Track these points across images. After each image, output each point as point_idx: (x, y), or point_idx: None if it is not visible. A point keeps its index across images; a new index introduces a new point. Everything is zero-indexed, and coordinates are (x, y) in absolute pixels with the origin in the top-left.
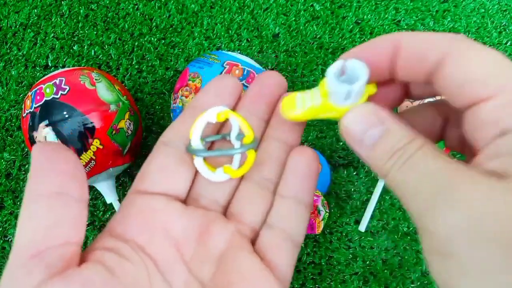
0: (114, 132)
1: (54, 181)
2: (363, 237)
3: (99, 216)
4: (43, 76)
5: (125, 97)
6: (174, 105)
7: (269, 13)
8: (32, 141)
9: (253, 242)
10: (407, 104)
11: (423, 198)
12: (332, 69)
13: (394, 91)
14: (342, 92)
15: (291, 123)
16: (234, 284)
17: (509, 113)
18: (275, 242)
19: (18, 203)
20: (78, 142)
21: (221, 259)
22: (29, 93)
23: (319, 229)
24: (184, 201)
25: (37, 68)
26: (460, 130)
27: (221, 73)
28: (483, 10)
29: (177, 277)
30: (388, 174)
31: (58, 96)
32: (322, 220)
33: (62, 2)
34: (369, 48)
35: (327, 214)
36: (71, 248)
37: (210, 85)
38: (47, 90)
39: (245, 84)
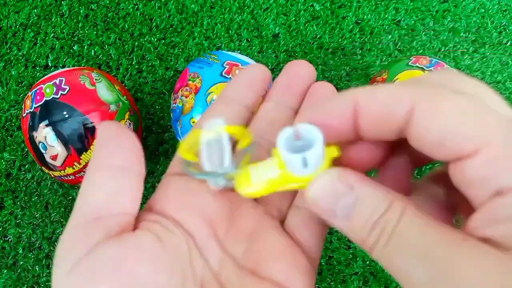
0: None
1: (119, 155)
2: None
3: None
4: (43, 76)
5: (125, 97)
6: (174, 105)
7: (269, 13)
8: (32, 141)
9: (281, 222)
10: None
11: (420, 283)
12: (283, 137)
13: (374, 149)
14: (297, 161)
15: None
16: (265, 260)
17: (502, 169)
18: (302, 221)
19: (18, 203)
20: (78, 142)
21: (252, 238)
22: (29, 93)
23: None
24: None
25: (37, 68)
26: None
27: (221, 73)
28: (483, 10)
29: (212, 253)
30: (373, 250)
31: (58, 96)
32: None
33: (62, 2)
34: (327, 111)
35: None
36: (127, 218)
37: (241, 75)
38: (47, 90)
39: None
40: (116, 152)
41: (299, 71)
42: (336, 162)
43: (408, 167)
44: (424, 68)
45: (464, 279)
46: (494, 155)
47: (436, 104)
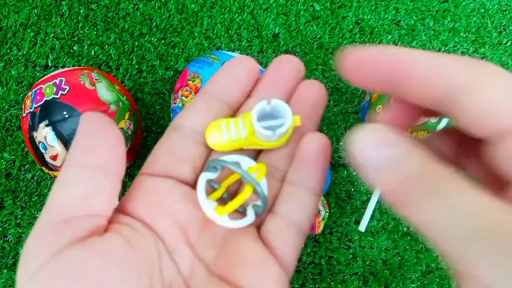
0: None
1: (98, 154)
2: (363, 237)
3: None
4: (43, 76)
5: (125, 97)
6: (174, 105)
7: (269, 13)
8: (32, 141)
9: (258, 228)
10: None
11: (468, 242)
12: (256, 109)
13: (406, 110)
14: (267, 133)
15: (306, 112)
16: (236, 267)
17: None
18: (280, 228)
19: (18, 203)
20: None
21: (224, 243)
22: (29, 93)
23: (319, 229)
24: (193, 186)
25: (37, 68)
26: (480, 159)
27: None
28: (483, 10)
29: (182, 258)
30: (417, 208)
31: (58, 96)
32: (322, 220)
33: (62, 2)
34: (374, 55)
35: (327, 214)
36: (99, 220)
37: (226, 67)
38: (47, 90)
39: None
40: (96, 149)
41: (287, 67)
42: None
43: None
44: None
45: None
46: None
47: (489, 79)
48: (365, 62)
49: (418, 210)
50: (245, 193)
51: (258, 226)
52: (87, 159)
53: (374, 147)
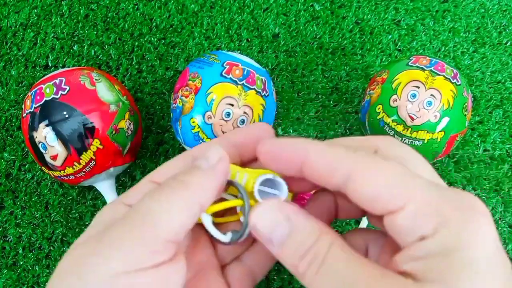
0: (114, 132)
1: (210, 196)
2: None
3: None
4: (43, 76)
5: (125, 97)
6: (174, 105)
7: (269, 13)
8: (32, 141)
9: (223, 267)
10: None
11: None
12: (259, 180)
13: (327, 203)
14: (260, 199)
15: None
16: None
17: (422, 221)
18: (240, 275)
19: (18, 203)
20: (78, 142)
21: (196, 272)
22: (29, 93)
23: None
24: None
25: (37, 68)
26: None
27: (221, 73)
28: (483, 10)
29: None
30: (305, 277)
31: (58, 96)
32: None
33: (62, 2)
34: (283, 151)
35: None
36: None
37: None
38: (47, 90)
39: (245, 84)
40: (210, 192)
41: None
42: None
43: (333, 204)
44: (424, 68)
45: None
46: (416, 209)
47: (368, 170)
48: (278, 156)
49: (311, 279)
50: (238, 216)
51: (223, 265)
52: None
53: (270, 225)
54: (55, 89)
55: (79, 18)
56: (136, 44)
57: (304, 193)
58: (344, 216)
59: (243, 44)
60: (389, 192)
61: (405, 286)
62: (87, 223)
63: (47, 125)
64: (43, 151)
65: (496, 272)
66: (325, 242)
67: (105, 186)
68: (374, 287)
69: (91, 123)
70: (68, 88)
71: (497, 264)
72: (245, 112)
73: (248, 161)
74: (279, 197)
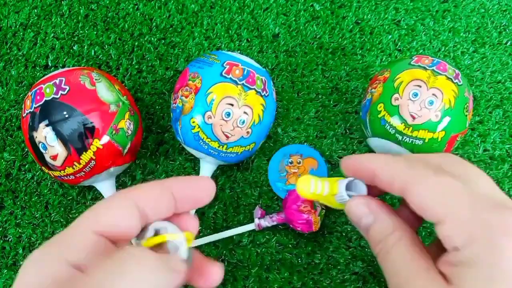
0: (114, 132)
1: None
2: (362, 237)
3: None
4: (43, 76)
5: (125, 97)
6: (174, 105)
7: (269, 13)
8: (32, 141)
9: None
10: None
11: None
12: (344, 181)
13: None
14: (345, 198)
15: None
16: None
17: (455, 235)
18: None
19: (18, 203)
20: (78, 142)
21: None
22: (29, 93)
23: (316, 226)
24: None
25: (37, 68)
26: None
27: (221, 73)
28: (483, 10)
29: None
30: (378, 257)
31: (58, 96)
32: (319, 216)
33: (62, 2)
34: (358, 162)
35: (323, 211)
36: None
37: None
38: (47, 90)
39: (245, 84)
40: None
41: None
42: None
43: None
44: (426, 67)
45: None
46: (454, 224)
47: (419, 185)
48: (356, 169)
49: (380, 260)
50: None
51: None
52: None
53: (359, 214)
54: (55, 89)
55: (79, 18)
56: (136, 44)
57: None
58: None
59: (243, 44)
60: (432, 206)
61: (439, 284)
62: None
63: (47, 125)
64: (43, 151)
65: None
66: (395, 237)
67: (105, 186)
68: (416, 280)
69: (91, 123)
70: (68, 88)
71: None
72: (245, 112)
73: (182, 209)
74: (364, 194)
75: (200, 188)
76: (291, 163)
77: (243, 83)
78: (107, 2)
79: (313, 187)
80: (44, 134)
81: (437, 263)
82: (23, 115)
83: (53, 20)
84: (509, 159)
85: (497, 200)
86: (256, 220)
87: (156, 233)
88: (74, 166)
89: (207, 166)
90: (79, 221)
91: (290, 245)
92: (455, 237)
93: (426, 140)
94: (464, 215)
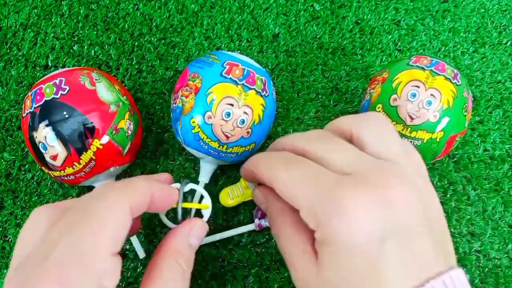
0: (114, 132)
1: None
2: None
3: None
4: (43, 76)
5: (125, 97)
6: (174, 105)
7: (269, 13)
8: (32, 141)
9: None
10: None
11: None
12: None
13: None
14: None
15: None
16: None
17: (308, 219)
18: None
19: (18, 203)
20: (78, 142)
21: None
22: (29, 93)
23: None
24: None
25: (37, 68)
26: None
27: (221, 73)
28: (483, 10)
29: None
30: (273, 231)
31: (58, 96)
32: None
33: (62, 2)
34: (250, 171)
35: None
36: None
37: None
38: (47, 90)
39: (245, 84)
40: None
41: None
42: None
43: None
44: (425, 67)
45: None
46: (304, 212)
47: (276, 184)
48: (250, 175)
49: (278, 246)
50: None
51: None
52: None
53: (259, 201)
54: (55, 89)
55: (79, 18)
56: (136, 44)
57: None
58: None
59: (243, 44)
60: (290, 199)
61: (310, 264)
62: None
63: (47, 125)
64: (43, 151)
65: (353, 256)
66: (280, 221)
67: None
68: (294, 260)
69: (91, 123)
70: (68, 88)
71: (357, 250)
72: (245, 112)
73: (150, 210)
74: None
75: (171, 200)
76: None
77: (243, 83)
78: (107, 2)
79: (231, 194)
80: (44, 134)
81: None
82: (23, 115)
83: (53, 20)
84: (509, 159)
85: (341, 177)
86: (256, 221)
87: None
88: (74, 166)
89: (207, 166)
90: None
91: None
92: (309, 221)
93: (425, 141)
94: (311, 200)
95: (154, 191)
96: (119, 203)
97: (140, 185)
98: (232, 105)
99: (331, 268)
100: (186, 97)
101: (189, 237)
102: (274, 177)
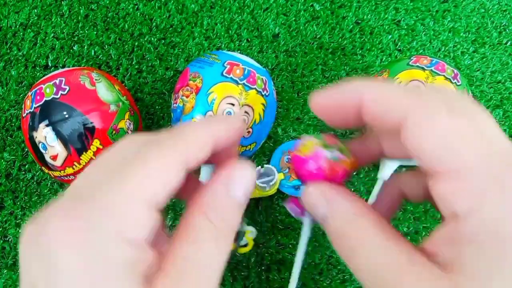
0: (114, 132)
1: None
2: None
3: None
4: (43, 76)
5: (125, 97)
6: (174, 105)
7: (269, 13)
8: (32, 141)
9: None
10: None
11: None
12: (256, 172)
13: (370, 148)
14: (263, 185)
15: None
16: None
17: (459, 196)
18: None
19: (18, 203)
20: (78, 142)
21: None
22: (29, 93)
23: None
24: None
25: (37, 68)
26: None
27: (222, 72)
28: (483, 10)
29: None
30: (342, 255)
31: (58, 96)
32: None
33: (62, 2)
34: (337, 95)
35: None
36: None
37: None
38: (47, 90)
39: (246, 83)
40: None
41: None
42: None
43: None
44: (425, 67)
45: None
46: (460, 180)
47: (424, 117)
48: (331, 107)
49: (344, 259)
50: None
51: None
52: None
53: (314, 204)
54: (55, 89)
55: (79, 18)
56: (136, 44)
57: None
58: (390, 155)
59: (243, 44)
60: (438, 151)
61: (432, 276)
62: None
63: (47, 125)
64: (43, 151)
65: None
66: (358, 226)
67: None
68: (401, 278)
69: (91, 123)
70: (68, 88)
71: None
72: (246, 112)
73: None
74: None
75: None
76: (290, 159)
77: (244, 83)
78: (107, 2)
79: None
80: (44, 134)
81: (426, 242)
82: (23, 115)
83: (53, 20)
84: None
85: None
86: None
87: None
88: (74, 166)
89: (208, 166)
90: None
91: (290, 245)
92: (460, 198)
93: None
94: (477, 171)
95: (217, 134)
96: (171, 155)
97: (199, 133)
98: (233, 104)
99: (486, 275)
100: (187, 96)
101: (228, 186)
102: (419, 113)
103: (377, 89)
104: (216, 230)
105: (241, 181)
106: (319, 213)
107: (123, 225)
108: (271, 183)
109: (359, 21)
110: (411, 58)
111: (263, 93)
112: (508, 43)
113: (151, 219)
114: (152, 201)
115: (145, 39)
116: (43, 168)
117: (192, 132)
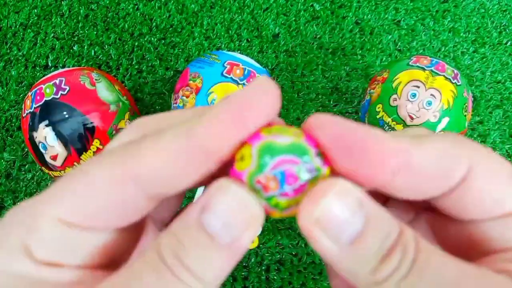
0: (114, 132)
1: None
2: None
3: None
4: (43, 76)
5: (125, 97)
6: (174, 105)
7: (269, 13)
8: (32, 141)
9: None
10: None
11: None
12: None
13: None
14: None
15: None
16: None
17: None
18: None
19: (18, 203)
20: (78, 142)
21: None
22: (29, 93)
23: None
24: None
25: (37, 68)
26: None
27: (222, 73)
28: (483, 10)
29: None
30: (385, 283)
31: (58, 96)
32: None
33: (62, 2)
34: (372, 162)
35: None
36: None
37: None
38: (47, 90)
39: (246, 83)
40: None
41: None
42: None
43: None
44: (425, 68)
45: None
46: None
47: (488, 167)
48: (357, 151)
49: (388, 285)
50: None
51: None
52: None
53: (343, 217)
54: (55, 89)
55: (79, 18)
56: (136, 44)
57: None
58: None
59: (243, 44)
60: (505, 195)
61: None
62: None
63: (47, 125)
64: (43, 151)
65: None
66: (410, 236)
67: None
68: None
69: (91, 123)
70: (68, 88)
71: None
72: None
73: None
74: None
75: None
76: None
77: (244, 83)
78: (107, 2)
79: None
80: (44, 134)
81: (489, 261)
82: (23, 115)
83: (53, 20)
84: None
85: None
86: None
87: None
88: (74, 167)
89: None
90: None
91: (290, 245)
92: None
93: None
94: None
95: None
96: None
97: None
98: None
99: None
100: (187, 97)
101: (201, 211)
102: (478, 158)
103: (424, 144)
104: (157, 262)
105: (218, 208)
106: (350, 229)
107: (29, 240)
108: None
109: (359, 21)
110: (411, 58)
111: None
112: (508, 43)
113: (67, 237)
114: (66, 219)
115: (145, 39)
116: (43, 168)
117: (158, 140)
